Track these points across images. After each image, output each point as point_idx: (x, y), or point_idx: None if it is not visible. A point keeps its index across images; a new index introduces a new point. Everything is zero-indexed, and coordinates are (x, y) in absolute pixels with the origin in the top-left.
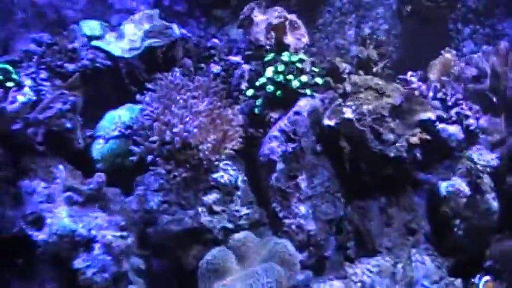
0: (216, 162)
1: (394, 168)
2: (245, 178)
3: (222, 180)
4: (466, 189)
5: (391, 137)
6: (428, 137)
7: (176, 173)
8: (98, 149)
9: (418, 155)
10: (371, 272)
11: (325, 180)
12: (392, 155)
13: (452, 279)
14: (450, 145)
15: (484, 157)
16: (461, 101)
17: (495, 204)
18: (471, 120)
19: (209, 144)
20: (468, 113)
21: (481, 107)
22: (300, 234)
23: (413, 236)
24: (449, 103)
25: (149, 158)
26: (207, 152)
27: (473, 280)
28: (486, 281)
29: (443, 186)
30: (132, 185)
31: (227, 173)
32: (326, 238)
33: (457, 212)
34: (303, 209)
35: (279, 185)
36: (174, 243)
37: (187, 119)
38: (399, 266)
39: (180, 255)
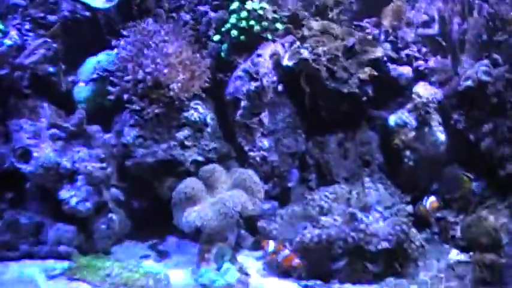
0: (187, 102)
1: (348, 103)
2: (214, 116)
3: (193, 118)
4: (413, 122)
5: (344, 75)
6: (375, 73)
7: (149, 110)
8: (79, 91)
9: (370, 91)
10: (328, 198)
11: (287, 117)
12: (345, 91)
13: (404, 205)
14: (400, 83)
15: (428, 92)
16: (411, 44)
17: (442, 137)
18: (420, 62)
19: (179, 84)
20: (417, 54)
21: (429, 50)
22: (264, 165)
23: (368, 167)
24: (400, 45)
25: (125, 97)
26: (177, 90)
27: (420, 202)
28: (431, 202)
29: (392, 120)
30: (112, 123)
31: (197, 112)
32: (289, 170)
33: (407, 144)
34: (266, 142)
35: (244, 121)
36: (150, 175)
37: (159, 60)
38: (354, 192)
39: (156, 186)
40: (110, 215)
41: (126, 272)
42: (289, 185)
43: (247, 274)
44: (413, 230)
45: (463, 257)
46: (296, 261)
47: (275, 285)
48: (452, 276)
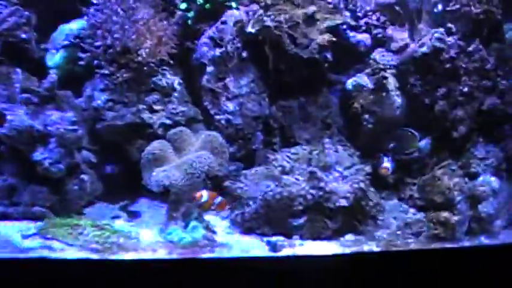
0: (156, 67)
1: (308, 68)
2: (181, 81)
3: (161, 83)
4: (369, 84)
5: (305, 41)
6: (334, 39)
7: (119, 75)
8: (51, 58)
9: (329, 56)
10: (290, 158)
11: (250, 82)
12: (305, 56)
13: (363, 165)
14: (359, 50)
15: (385, 58)
16: (370, 13)
17: (399, 100)
18: (378, 30)
19: (146, 49)
20: (376, 23)
21: (388, 18)
22: (229, 128)
23: (329, 130)
24: (359, 14)
25: (95, 62)
26: (144, 56)
27: (377, 162)
28: (383, 166)
29: (349, 83)
30: (83, 88)
31: (165, 77)
32: (253, 133)
33: (365, 108)
34: (231, 106)
35: (210, 86)
36: (120, 138)
37: (127, 26)
38: (314, 153)
39: (126, 149)
40: (82, 176)
41: (97, 231)
42: (254, 147)
43: (213, 231)
44: (372, 189)
45: (419, 216)
46: (226, 208)
47: (239, 240)
48: (409, 234)
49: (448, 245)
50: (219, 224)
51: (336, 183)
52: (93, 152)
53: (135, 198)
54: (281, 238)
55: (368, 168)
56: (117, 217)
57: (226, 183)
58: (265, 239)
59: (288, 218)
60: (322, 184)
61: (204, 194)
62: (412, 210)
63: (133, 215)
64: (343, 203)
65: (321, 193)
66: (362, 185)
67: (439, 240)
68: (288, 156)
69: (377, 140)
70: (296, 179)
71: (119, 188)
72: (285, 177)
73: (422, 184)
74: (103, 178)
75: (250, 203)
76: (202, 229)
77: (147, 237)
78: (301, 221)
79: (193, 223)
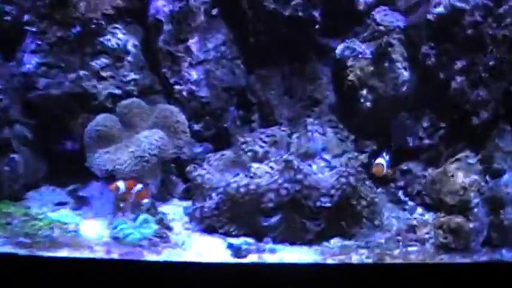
0: (103, 25)
1: (291, 29)
2: (137, 43)
3: (110, 44)
4: (367, 51)
5: None
6: None
7: (52, 33)
8: None
9: (317, 15)
10: (265, 142)
11: (220, 45)
12: (287, 14)
13: (357, 153)
14: (358, 8)
15: (389, 19)
16: None
17: (405, 74)
18: None
19: (85, 2)
20: None
21: None
22: (192, 101)
23: (317, 107)
24: None
25: (25, 17)
26: (83, 10)
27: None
28: (377, 164)
29: (340, 48)
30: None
31: (115, 37)
32: (224, 108)
33: (363, 81)
34: (194, 74)
35: (168, 48)
36: (59, 110)
37: None
38: (295, 136)
39: (69, 123)
40: (12, 155)
41: (29, 221)
42: (225, 125)
43: (168, 227)
44: (368, 182)
45: (428, 216)
46: (146, 200)
47: (198, 241)
48: (412, 240)
49: (460, 259)
50: (180, 218)
51: (320, 175)
52: (28, 126)
53: (86, 182)
54: (250, 240)
55: (363, 157)
56: (62, 204)
57: (188, 168)
58: (228, 239)
59: (257, 217)
60: (299, 176)
61: (121, 185)
62: (419, 209)
63: (82, 202)
64: (325, 202)
65: (297, 187)
66: (352, 179)
67: (449, 251)
68: (261, 139)
69: (376, 123)
70: (271, 167)
71: (67, 169)
72: (255, 165)
73: (430, 180)
74: (46, 157)
75: (213, 195)
76: (154, 224)
77: (89, 230)
78: (274, 220)
79: (143, 216)
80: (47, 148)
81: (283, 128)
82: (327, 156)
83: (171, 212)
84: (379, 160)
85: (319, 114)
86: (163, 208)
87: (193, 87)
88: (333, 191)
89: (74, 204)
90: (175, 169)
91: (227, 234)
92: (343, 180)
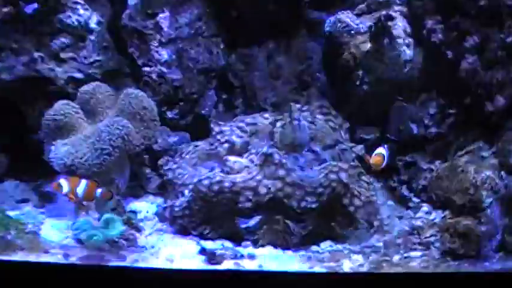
0: (64, 1)
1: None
2: (101, 19)
3: (70, 22)
4: (363, 26)
5: None
6: None
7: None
8: None
9: None
10: (244, 131)
11: (195, 20)
12: None
13: (352, 144)
14: None
15: None
16: None
17: (409, 52)
18: None
19: None
20: None
21: None
22: (163, 85)
23: (306, 90)
24: None
25: None
26: None
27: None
28: (376, 154)
29: (329, 22)
30: None
31: (76, 13)
32: (201, 92)
33: (359, 61)
34: (165, 54)
35: (134, 25)
36: (14, 98)
37: None
38: (279, 124)
39: (27, 112)
40: None
41: None
42: (203, 112)
43: (137, 228)
44: (365, 178)
45: (434, 216)
46: (99, 190)
47: (169, 244)
48: (415, 244)
49: (469, 267)
50: (152, 216)
51: (306, 171)
52: None
53: (52, 176)
54: (227, 244)
55: (360, 149)
56: (25, 201)
57: (160, 161)
58: (203, 242)
59: (234, 218)
60: (281, 172)
61: (64, 184)
62: (425, 207)
63: (47, 199)
64: (311, 203)
65: (279, 185)
66: (343, 175)
67: (457, 258)
68: (240, 128)
69: (375, 109)
70: (251, 161)
71: (31, 162)
72: (231, 158)
73: (436, 176)
74: (6, 150)
75: (185, 192)
76: (120, 224)
77: (52, 231)
78: (253, 222)
79: (107, 215)
80: (5, 140)
81: (266, 115)
82: (317, 148)
83: (144, 210)
84: (378, 150)
85: (309, 99)
86: (135, 205)
87: (164, 69)
88: (320, 190)
89: (37, 201)
90: (150, 162)
91: (202, 236)
92: (332, 176)
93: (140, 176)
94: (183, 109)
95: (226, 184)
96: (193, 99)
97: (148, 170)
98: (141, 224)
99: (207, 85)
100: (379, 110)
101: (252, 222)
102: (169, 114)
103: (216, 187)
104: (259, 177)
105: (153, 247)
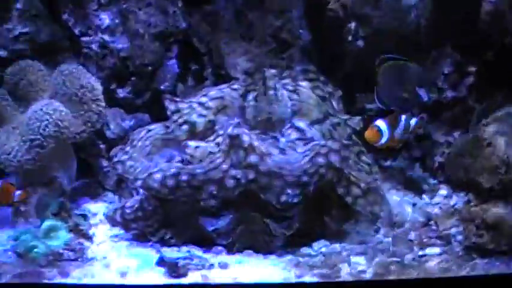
0: None
1: None
2: None
3: None
4: None
5: None
6: None
7: None
8: None
9: None
10: (206, 108)
11: None
12: None
13: (347, 116)
14: None
15: None
16: None
17: None
18: None
19: None
20: None
21: None
22: (108, 57)
23: (286, 52)
24: None
25: None
26: None
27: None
28: (371, 126)
29: None
30: None
31: None
32: (157, 62)
33: (351, 10)
34: (106, 18)
35: None
36: None
37: None
38: (251, 96)
39: None
40: None
41: None
42: (162, 87)
43: (86, 236)
44: (366, 158)
45: (456, 200)
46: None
47: (124, 253)
48: (432, 238)
49: (501, 267)
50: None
51: (287, 154)
52: None
53: None
54: (194, 251)
55: (356, 122)
56: None
57: (112, 152)
58: (164, 250)
59: (198, 219)
60: (252, 158)
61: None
62: (443, 190)
63: None
64: (292, 196)
65: (251, 175)
66: (334, 157)
67: (486, 255)
68: (201, 105)
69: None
70: (217, 145)
71: None
72: (192, 144)
73: (456, 150)
74: None
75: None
76: (66, 232)
77: None
78: (222, 223)
79: (49, 222)
80: None
81: (235, 86)
82: (301, 124)
83: (100, 212)
84: (378, 122)
85: (290, 63)
86: (89, 207)
87: (106, 37)
88: (305, 178)
89: None
90: (107, 152)
91: (164, 243)
92: (320, 160)
93: (96, 170)
94: (137, 85)
95: (183, 177)
96: (148, 72)
97: (106, 163)
98: (93, 230)
99: (164, 54)
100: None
101: (221, 223)
102: (121, 93)
103: (170, 182)
104: (224, 166)
105: (105, 258)
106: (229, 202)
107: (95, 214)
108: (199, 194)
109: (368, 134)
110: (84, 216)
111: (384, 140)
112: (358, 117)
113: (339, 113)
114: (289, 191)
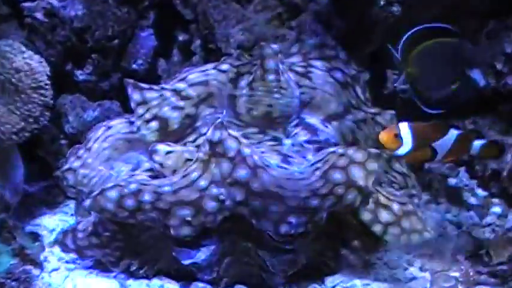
0: None
1: None
2: None
3: None
4: None
5: None
6: None
7: None
8: None
9: None
10: (185, 97)
11: None
12: None
13: (375, 109)
14: None
15: None
16: None
17: None
18: None
19: None
20: None
21: None
22: (58, 28)
23: (295, 19)
24: None
25: None
26: None
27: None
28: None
29: None
30: None
31: None
32: (127, 34)
33: None
34: None
35: None
36: None
37: None
38: (244, 82)
39: None
40: None
41: None
42: (134, 66)
43: (34, 262)
44: (398, 166)
45: None
46: None
47: (81, 286)
48: (482, 274)
49: None
50: None
51: (292, 165)
52: None
53: None
54: (172, 285)
55: (389, 117)
56: None
57: (69, 152)
58: (129, 283)
59: (169, 248)
60: (242, 172)
61: None
62: (497, 207)
63: None
64: (295, 227)
65: (240, 196)
66: (358, 173)
67: None
68: (177, 92)
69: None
70: (195, 148)
71: None
72: (161, 148)
73: None
74: None
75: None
76: (8, 256)
77: None
78: (202, 255)
79: None
80: None
81: (224, 66)
82: (313, 120)
83: (58, 227)
84: (402, 125)
85: (300, 35)
86: (44, 221)
87: (54, 1)
88: (314, 202)
89: None
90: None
91: (130, 274)
92: (337, 176)
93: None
94: (101, 65)
95: (146, 197)
96: (114, 47)
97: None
98: (45, 253)
99: (136, 22)
100: None
101: (201, 255)
102: (80, 75)
103: (129, 202)
104: (203, 182)
105: None
106: (210, 229)
107: (51, 230)
108: (168, 220)
109: (383, 138)
110: (35, 236)
111: (403, 151)
112: (390, 112)
113: (365, 104)
114: (291, 219)
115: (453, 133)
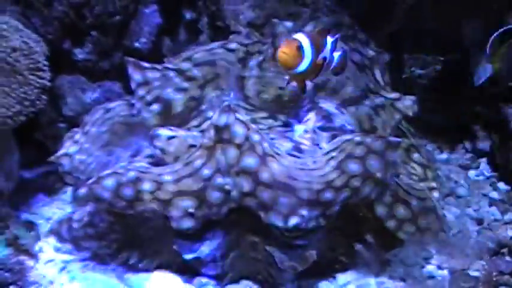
0: None
1: None
2: None
3: None
4: None
5: None
6: None
7: None
8: None
9: None
10: (189, 77)
11: None
12: None
13: (395, 94)
14: None
15: None
16: None
17: None
18: None
19: None
20: None
21: None
22: (55, 3)
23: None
24: None
25: None
26: None
27: None
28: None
29: None
30: None
31: None
32: (129, 10)
33: None
34: None
35: None
36: None
37: None
38: (253, 62)
39: None
40: None
41: None
42: (137, 44)
43: (30, 253)
44: (417, 156)
45: None
46: None
47: (76, 278)
48: (505, 273)
49: None
50: None
51: (304, 153)
52: None
53: None
54: (174, 279)
55: (410, 105)
56: None
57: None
58: (128, 277)
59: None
60: (250, 160)
61: None
62: None
63: None
64: (307, 220)
65: (247, 187)
66: (376, 164)
67: None
68: (181, 73)
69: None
70: (200, 133)
71: None
72: (163, 133)
73: None
74: None
75: None
76: (1, 247)
77: None
78: (205, 249)
79: None
80: None
81: (232, 45)
82: (328, 105)
83: (55, 216)
84: (299, 36)
85: (314, 12)
86: (41, 209)
87: None
88: (328, 195)
89: None
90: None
91: (129, 267)
92: (353, 167)
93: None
94: (101, 43)
95: (146, 187)
96: (115, 23)
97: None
98: (41, 243)
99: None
100: (449, 26)
101: (204, 249)
102: (80, 54)
103: (127, 192)
104: (206, 171)
105: (52, 283)
106: (214, 222)
107: (48, 219)
108: (168, 211)
109: (284, 51)
110: (30, 225)
111: (304, 67)
112: (411, 97)
113: (383, 89)
114: (302, 211)
115: (329, 40)
